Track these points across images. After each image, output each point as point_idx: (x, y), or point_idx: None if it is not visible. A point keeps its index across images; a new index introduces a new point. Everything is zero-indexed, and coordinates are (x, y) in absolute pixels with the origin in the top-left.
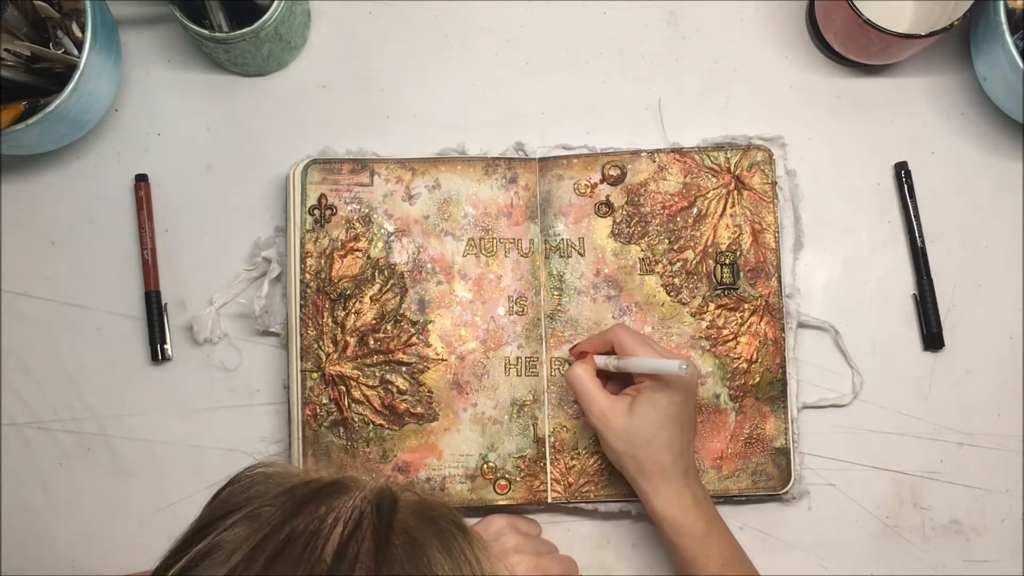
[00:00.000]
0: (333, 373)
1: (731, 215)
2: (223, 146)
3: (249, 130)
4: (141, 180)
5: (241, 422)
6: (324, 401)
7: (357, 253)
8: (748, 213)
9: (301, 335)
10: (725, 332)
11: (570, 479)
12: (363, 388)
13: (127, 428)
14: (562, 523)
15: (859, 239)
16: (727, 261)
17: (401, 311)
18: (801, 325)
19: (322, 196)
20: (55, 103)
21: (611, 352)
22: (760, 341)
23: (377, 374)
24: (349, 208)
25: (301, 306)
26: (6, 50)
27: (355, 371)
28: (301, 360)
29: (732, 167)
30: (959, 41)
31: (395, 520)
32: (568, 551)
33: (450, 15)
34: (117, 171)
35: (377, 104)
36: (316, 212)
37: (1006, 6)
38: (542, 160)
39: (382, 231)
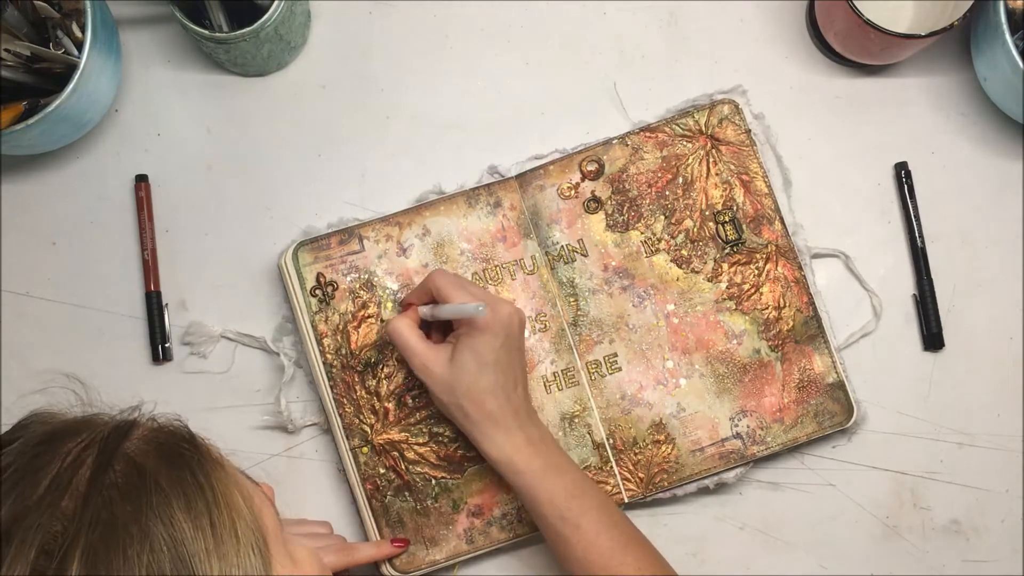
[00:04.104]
0: (382, 442)
1: (716, 173)
2: (223, 146)
3: (249, 130)
4: (141, 180)
5: (242, 422)
6: (381, 471)
7: (370, 320)
8: (732, 167)
9: (340, 415)
10: (746, 287)
11: (640, 474)
12: (415, 448)
13: None
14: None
15: (859, 239)
16: (726, 219)
17: None
18: (815, 256)
19: (319, 275)
20: (55, 103)
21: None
22: (782, 285)
23: (424, 430)
24: (349, 279)
25: (331, 387)
26: (6, 50)
27: (403, 434)
28: (347, 439)
29: (703, 127)
30: (959, 41)
31: (118, 450)
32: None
33: (450, 15)
34: (117, 171)
35: (377, 104)
36: (318, 292)
37: (1006, 6)
38: (519, 176)
39: (387, 292)
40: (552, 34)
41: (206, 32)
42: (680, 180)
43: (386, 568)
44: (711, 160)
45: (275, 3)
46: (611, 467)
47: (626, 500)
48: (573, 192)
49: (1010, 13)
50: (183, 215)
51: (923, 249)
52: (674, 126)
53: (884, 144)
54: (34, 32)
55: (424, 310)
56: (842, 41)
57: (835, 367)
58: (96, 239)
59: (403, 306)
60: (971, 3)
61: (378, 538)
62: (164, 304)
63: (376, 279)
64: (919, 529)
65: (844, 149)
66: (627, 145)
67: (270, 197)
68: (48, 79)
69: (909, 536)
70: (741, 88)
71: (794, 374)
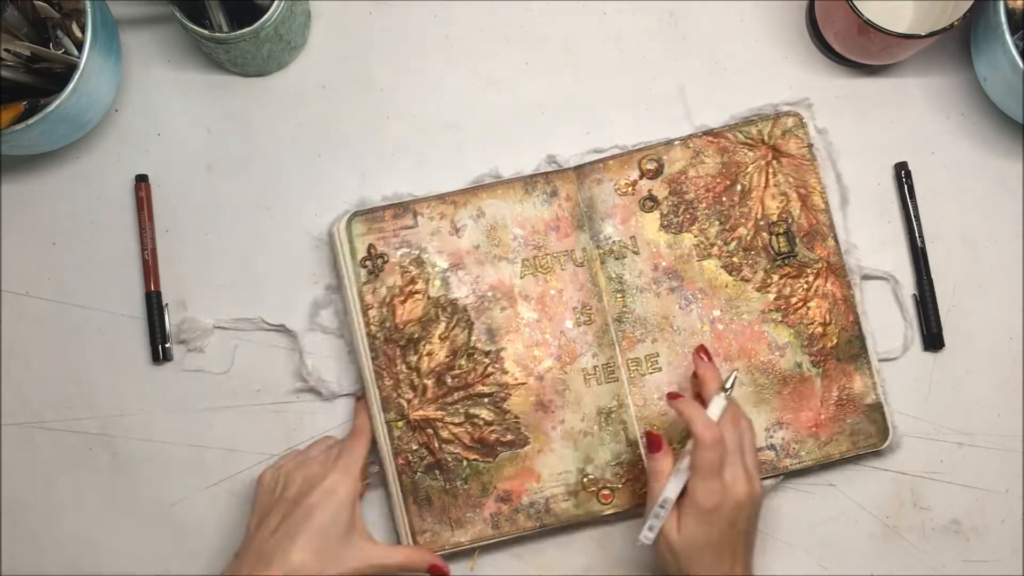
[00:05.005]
0: (418, 418)
1: (775, 185)
2: (223, 146)
3: (249, 130)
4: (141, 180)
5: (242, 422)
6: (414, 447)
7: (417, 296)
8: (791, 179)
9: (379, 387)
10: (794, 300)
11: None
12: (450, 427)
13: (128, 428)
14: None
15: (859, 239)
16: (781, 230)
17: (472, 344)
18: (865, 278)
19: (371, 246)
20: (55, 103)
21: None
22: (830, 302)
23: (461, 410)
24: (399, 253)
25: (373, 359)
26: (6, 50)
27: (439, 412)
28: (383, 412)
29: (766, 138)
30: (959, 41)
31: None
32: None
33: (450, 15)
34: (117, 171)
35: (377, 104)
36: (368, 263)
37: (1006, 6)
38: (578, 168)
39: (436, 269)
40: (552, 34)
41: (206, 32)
42: (738, 187)
43: None
44: (771, 171)
45: (275, 3)
46: (643, 465)
47: None
48: (630, 189)
49: (1010, 13)
50: (183, 215)
51: (923, 249)
52: (737, 133)
53: (884, 144)
54: (34, 32)
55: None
56: (842, 41)
57: (875, 388)
58: (96, 239)
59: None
60: (971, 3)
61: (404, 512)
62: (164, 304)
63: (426, 256)
64: (919, 529)
65: (844, 149)
66: (688, 147)
67: (270, 197)
68: (48, 79)
69: (909, 536)
70: (808, 101)
71: (833, 391)
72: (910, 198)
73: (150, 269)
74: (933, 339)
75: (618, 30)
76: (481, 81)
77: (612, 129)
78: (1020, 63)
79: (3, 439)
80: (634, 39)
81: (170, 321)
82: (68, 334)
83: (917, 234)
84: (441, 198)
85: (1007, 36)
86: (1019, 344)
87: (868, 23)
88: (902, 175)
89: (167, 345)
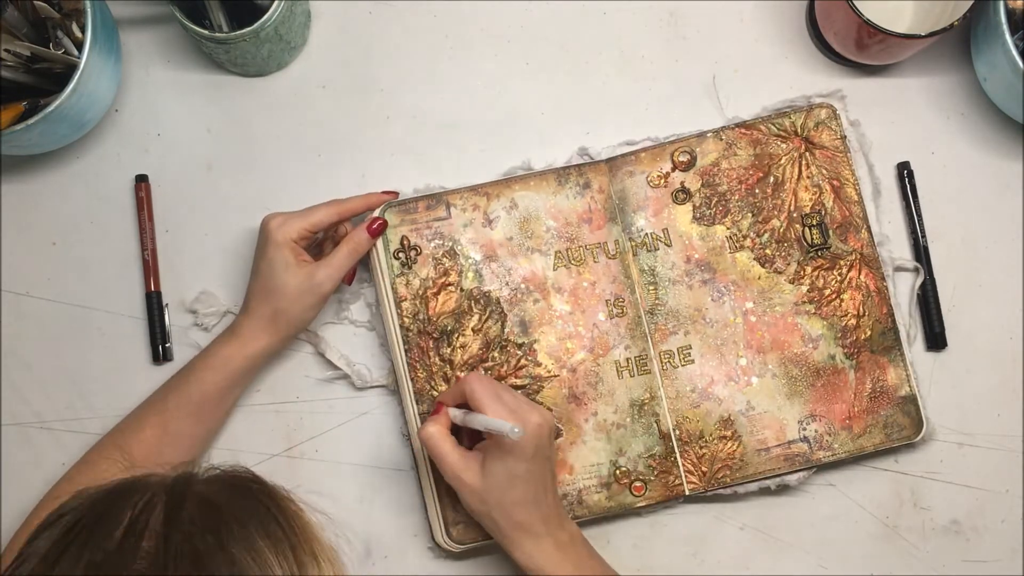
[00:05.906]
0: None
1: (808, 176)
2: (223, 146)
3: (249, 130)
4: (141, 180)
5: (242, 422)
6: None
7: (450, 288)
8: (824, 171)
9: (411, 380)
10: (827, 292)
11: (703, 468)
12: None
13: None
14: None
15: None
16: (814, 222)
17: (505, 336)
18: (897, 270)
19: (404, 238)
20: (55, 103)
21: (466, 404)
22: (864, 294)
23: None
24: (432, 245)
25: (406, 351)
26: (6, 50)
27: None
28: (416, 404)
29: (799, 129)
30: (959, 41)
31: (188, 491)
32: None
33: (450, 15)
34: (117, 171)
35: (377, 104)
36: (401, 255)
37: (1006, 6)
38: (610, 160)
39: (469, 261)
40: (551, 34)
41: (206, 32)
42: (771, 179)
43: (443, 539)
44: (804, 163)
45: (275, 3)
46: (675, 458)
47: (687, 493)
48: (662, 181)
49: (1010, 13)
50: (183, 215)
51: (926, 248)
52: (770, 125)
53: (884, 144)
54: (34, 32)
55: (456, 414)
56: (842, 41)
57: (909, 381)
58: (96, 239)
59: (436, 406)
60: (971, 3)
61: (439, 512)
62: (164, 304)
63: (459, 248)
64: (919, 529)
65: None
66: (721, 139)
67: (270, 197)
68: (48, 79)
69: (909, 536)
70: (840, 93)
71: (867, 384)
72: (913, 198)
73: (150, 269)
74: (936, 339)
75: (618, 30)
76: (481, 81)
77: (612, 129)
78: (1020, 63)
79: (3, 439)
80: (634, 39)
81: (170, 321)
82: (68, 334)
83: (920, 234)
84: (474, 189)
85: (1007, 36)
86: (1019, 344)
87: (868, 23)
88: (904, 175)
89: (167, 345)
